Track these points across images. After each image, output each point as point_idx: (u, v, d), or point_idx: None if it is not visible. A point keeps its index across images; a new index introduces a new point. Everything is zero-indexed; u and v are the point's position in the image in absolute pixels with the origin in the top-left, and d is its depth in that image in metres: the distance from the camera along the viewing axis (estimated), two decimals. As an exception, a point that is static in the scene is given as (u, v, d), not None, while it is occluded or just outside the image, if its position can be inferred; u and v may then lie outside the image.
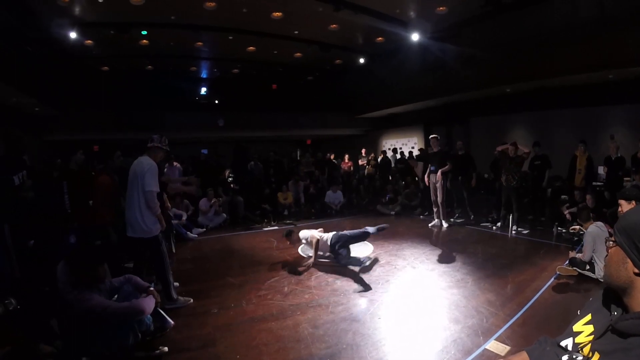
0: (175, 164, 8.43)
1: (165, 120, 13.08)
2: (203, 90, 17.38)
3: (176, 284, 5.00)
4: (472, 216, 8.18)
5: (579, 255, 4.52)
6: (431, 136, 7.74)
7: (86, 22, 9.61)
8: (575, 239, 5.77)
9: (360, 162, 13.35)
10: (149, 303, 2.85)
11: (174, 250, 5.90)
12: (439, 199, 7.55)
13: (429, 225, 7.79)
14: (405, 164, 11.72)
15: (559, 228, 6.59)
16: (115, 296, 3.01)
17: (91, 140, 11.99)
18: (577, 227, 5.02)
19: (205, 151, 14.72)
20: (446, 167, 7.48)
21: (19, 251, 3.84)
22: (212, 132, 14.62)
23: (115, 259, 4.54)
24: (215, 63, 15.60)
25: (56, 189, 5.07)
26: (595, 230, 4.40)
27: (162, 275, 3.89)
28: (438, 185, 7.47)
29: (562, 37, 8.30)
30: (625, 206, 3.28)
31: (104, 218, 4.52)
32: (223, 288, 4.55)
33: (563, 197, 7.64)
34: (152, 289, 3.12)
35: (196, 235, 7.49)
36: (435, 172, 7.48)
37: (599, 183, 7.60)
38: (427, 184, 7.90)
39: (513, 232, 6.81)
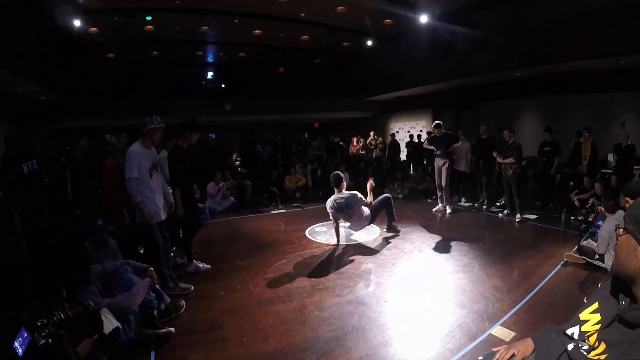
0: None
1: (173, 105, 13.07)
2: (210, 74, 17.28)
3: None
4: (485, 206, 7.87)
5: (592, 245, 4.41)
6: (434, 123, 7.69)
7: (91, 8, 9.52)
8: (583, 226, 5.72)
9: (367, 142, 13.30)
10: (135, 297, 2.79)
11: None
12: (444, 183, 7.53)
13: (433, 210, 7.74)
14: (415, 147, 11.63)
15: (567, 215, 6.53)
16: (114, 281, 2.97)
17: (99, 127, 12.06)
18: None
19: (213, 135, 14.72)
20: (458, 143, 7.82)
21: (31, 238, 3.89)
22: (220, 117, 14.61)
23: (128, 243, 4.58)
24: (222, 47, 15.41)
25: (60, 177, 5.12)
26: (614, 224, 3.97)
27: (155, 267, 3.51)
28: (444, 168, 7.44)
29: (575, 23, 8.06)
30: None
31: (116, 202, 4.53)
32: (230, 271, 4.61)
33: (571, 183, 7.55)
34: (151, 269, 3.14)
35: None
36: (441, 156, 7.48)
37: (608, 170, 7.47)
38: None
39: (517, 219, 6.73)
